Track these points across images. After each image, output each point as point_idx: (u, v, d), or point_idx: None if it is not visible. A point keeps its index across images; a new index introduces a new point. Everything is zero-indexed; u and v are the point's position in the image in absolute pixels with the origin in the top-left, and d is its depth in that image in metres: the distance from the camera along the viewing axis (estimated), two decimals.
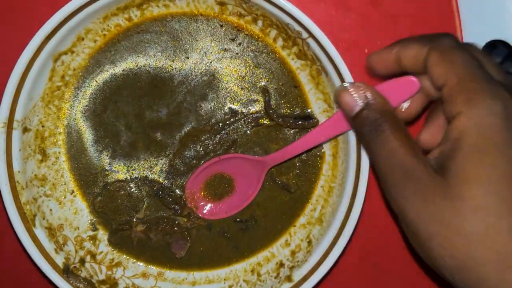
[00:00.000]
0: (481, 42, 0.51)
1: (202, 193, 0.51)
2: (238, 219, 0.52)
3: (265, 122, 0.50)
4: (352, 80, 0.45)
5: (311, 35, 0.45)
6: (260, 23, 0.48)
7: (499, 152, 0.31)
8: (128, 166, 0.51)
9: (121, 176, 0.51)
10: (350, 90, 0.37)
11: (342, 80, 0.45)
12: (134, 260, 0.51)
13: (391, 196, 0.34)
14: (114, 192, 0.50)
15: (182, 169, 0.51)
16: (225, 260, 0.52)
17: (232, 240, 0.52)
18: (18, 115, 0.46)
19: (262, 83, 0.50)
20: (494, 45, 0.51)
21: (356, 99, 0.36)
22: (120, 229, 0.51)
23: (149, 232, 0.51)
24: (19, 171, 0.47)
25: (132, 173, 0.51)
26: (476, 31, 0.52)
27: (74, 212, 0.51)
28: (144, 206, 0.51)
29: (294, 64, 0.50)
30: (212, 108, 0.50)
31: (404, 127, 0.35)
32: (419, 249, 0.34)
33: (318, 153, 0.51)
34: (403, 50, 0.37)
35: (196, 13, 0.49)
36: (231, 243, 0.52)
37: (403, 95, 0.38)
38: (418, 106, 0.40)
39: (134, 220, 0.51)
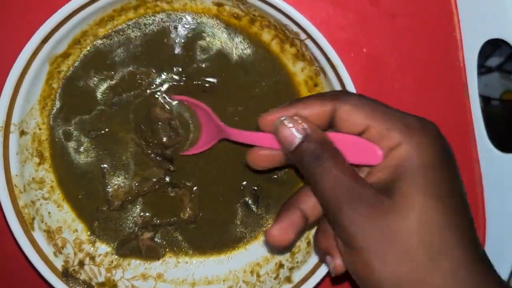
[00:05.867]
0: (480, 41, 0.51)
1: None
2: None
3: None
4: (350, 81, 0.45)
5: (309, 36, 0.45)
6: (257, 24, 0.48)
7: (444, 171, 0.33)
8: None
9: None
10: (288, 124, 0.36)
11: (341, 80, 0.45)
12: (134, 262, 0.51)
13: (337, 222, 0.34)
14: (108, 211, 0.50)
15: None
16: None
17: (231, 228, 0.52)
18: (15, 119, 0.46)
19: None
20: (497, 44, 0.51)
21: (295, 132, 0.35)
22: (127, 241, 0.51)
23: (154, 237, 0.51)
24: (16, 175, 0.46)
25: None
26: (475, 29, 0.51)
27: (73, 214, 0.51)
28: (138, 212, 0.51)
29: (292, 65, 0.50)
30: None
31: (342, 156, 0.35)
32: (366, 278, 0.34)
33: None
34: (303, 110, 0.36)
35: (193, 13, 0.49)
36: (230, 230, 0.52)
37: (358, 159, 0.36)
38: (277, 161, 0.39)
39: (136, 229, 0.51)
